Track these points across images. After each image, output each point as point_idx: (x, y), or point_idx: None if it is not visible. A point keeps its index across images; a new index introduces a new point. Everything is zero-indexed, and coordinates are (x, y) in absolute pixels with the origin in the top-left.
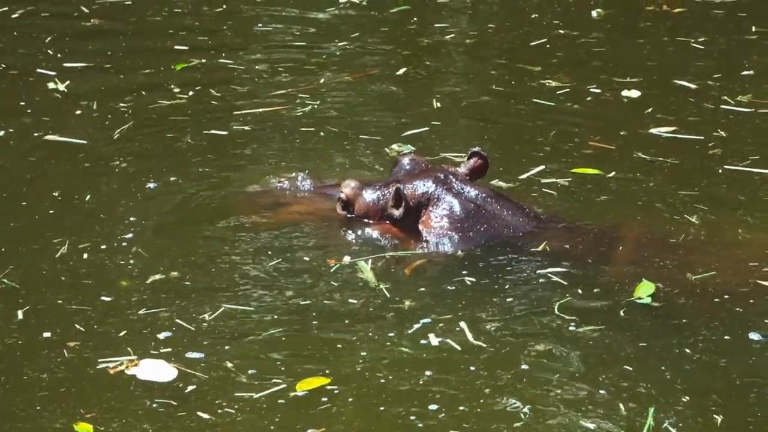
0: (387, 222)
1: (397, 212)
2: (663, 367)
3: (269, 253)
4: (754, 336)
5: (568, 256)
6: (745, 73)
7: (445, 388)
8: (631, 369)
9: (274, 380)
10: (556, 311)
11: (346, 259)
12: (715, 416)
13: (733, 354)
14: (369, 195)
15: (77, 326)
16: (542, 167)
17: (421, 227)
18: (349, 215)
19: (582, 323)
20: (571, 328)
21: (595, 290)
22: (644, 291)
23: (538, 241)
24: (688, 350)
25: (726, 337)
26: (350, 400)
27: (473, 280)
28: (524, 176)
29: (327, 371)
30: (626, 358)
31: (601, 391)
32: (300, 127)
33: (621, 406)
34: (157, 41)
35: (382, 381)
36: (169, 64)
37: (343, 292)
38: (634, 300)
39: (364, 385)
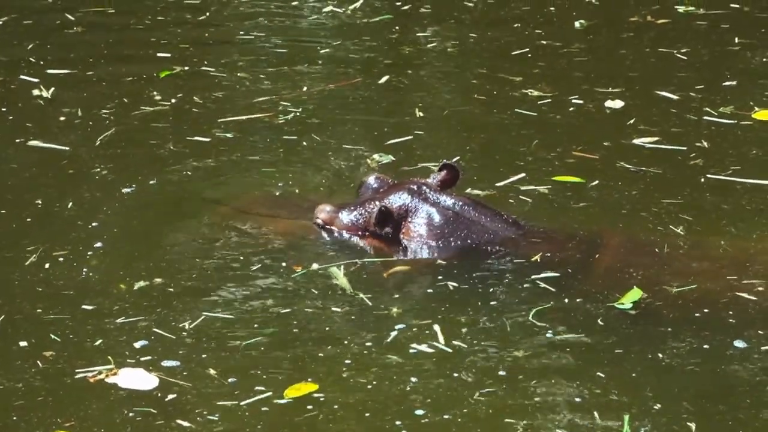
0: (369, 234)
1: (382, 231)
2: (634, 374)
3: (248, 261)
4: (739, 344)
5: (549, 263)
6: (727, 84)
7: (430, 394)
8: (603, 376)
9: (257, 388)
10: (531, 318)
11: (315, 265)
12: (688, 423)
13: (708, 362)
14: (346, 216)
15: (53, 336)
16: (522, 175)
17: (402, 237)
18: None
19: (559, 330)
20: (548, 335)
21: (574, 297)
22: (630, 297)
23: (518, 247)
24: (660, 355)
25: (705, 346)
26: (335, 407)
27: (455, 285)
28: (501, 183)
29: (309, 379)
30: (600, 365)
31: (577, 399)
32: (282, 135)
33: (596, 413)
34: (140, 49)
35: (369, 387)
36: (152, 72)
37: (324, 300)
38: (614, 306)
39: (349, 392)
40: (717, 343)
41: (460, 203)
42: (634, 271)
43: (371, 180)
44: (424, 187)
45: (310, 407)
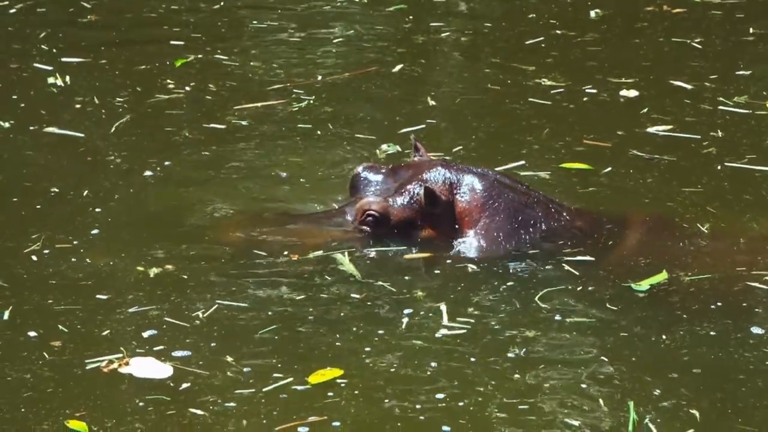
0: (426, 227)
1: (436, 210)
2: (634, 358)
3: (261, 250)
4: (756, 330)
5: (578, 243)
6: (741, 73)
7: (447, 379)
8: (606, 360)
9: (274, 375)
10: (538, 301)
11: (318, 252)
12: (691, 411)
13: (713, 348)
14: (399, 200)
15: (61, 327)
16: (521, 162)
17: (456, 215)
18: (383, 230)
19: (571, 313)
20: (557, 318)
21: (592, 279)
22: (653, 280)
23: (555, 220)
24: (664, 337)
25: (711, 333)
26: (356, 392)
27: (474, 268)
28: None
29: (327, 367)
30: (604, 349)
31: (582, 386)
32: (297, 123)
33: (601, 401)
34: (153, 37)
35: (390, 371)
36: (165, 60)
37: (338, 287)
38: (631, 288)
39: (369, 377)
40: (723, 330)
41: (490, 171)
42: (657, 257)
43: (363, 171)
44: (448, 160)
45: (330, 393)
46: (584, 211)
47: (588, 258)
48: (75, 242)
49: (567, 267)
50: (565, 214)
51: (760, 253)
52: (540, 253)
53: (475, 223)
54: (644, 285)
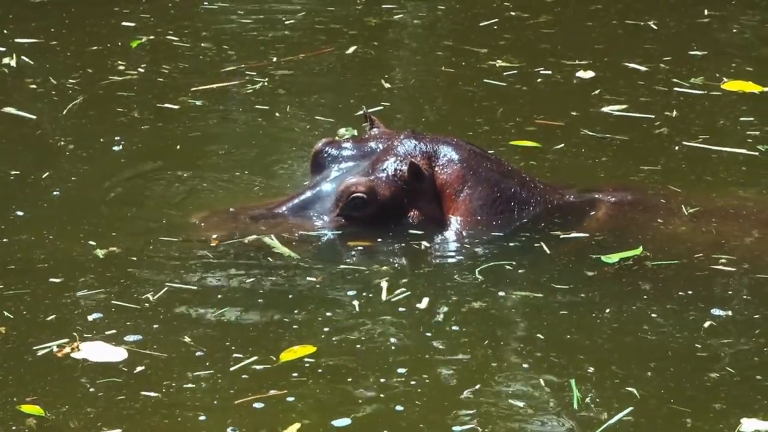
0: (412, 207)
1: (420, 184)
2: (568, 336)
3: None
4: (716, 312)
5: (549, 214)
6: (695, 54)
7: (405, 355)
8: (542, 337)
9: (234, 356)
10: (477, 273)
11: (252, 238)
12: (629, 389)
13: (655, 328)
14: (382, 175)
15: (12, 311)
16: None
17: (438, 187)
18: (366, 216)
19: (515, 288)
20: (501, 294)
21: (554, 254)
22: (625, 254)
23: (531, 192)
24: (607, 313)
25: (653, 315)
26: (320, 371)
27: (427, 245)
28: None
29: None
30: (541, 326)
31: (524, 365)
32: (253, 105)
33: (541, 381)
34: (103, 18)
35: (350, 350)
36: (117, 41)
37: (285, 270)
38: (591, 264)
39: (329, 357)
40: (671, 311)
41: (461, 140)
42: (626, 234)
43: (325, 146)
44: (416, 131)
45: (295, 374)
46: (549, 183)
47: (557, 232)
48: (22, 227)
49: (537, 241)
50: (538, 183)
51: (730, 233)
52: (513, 227)
53: (457, 195)
54: (615, 258)
